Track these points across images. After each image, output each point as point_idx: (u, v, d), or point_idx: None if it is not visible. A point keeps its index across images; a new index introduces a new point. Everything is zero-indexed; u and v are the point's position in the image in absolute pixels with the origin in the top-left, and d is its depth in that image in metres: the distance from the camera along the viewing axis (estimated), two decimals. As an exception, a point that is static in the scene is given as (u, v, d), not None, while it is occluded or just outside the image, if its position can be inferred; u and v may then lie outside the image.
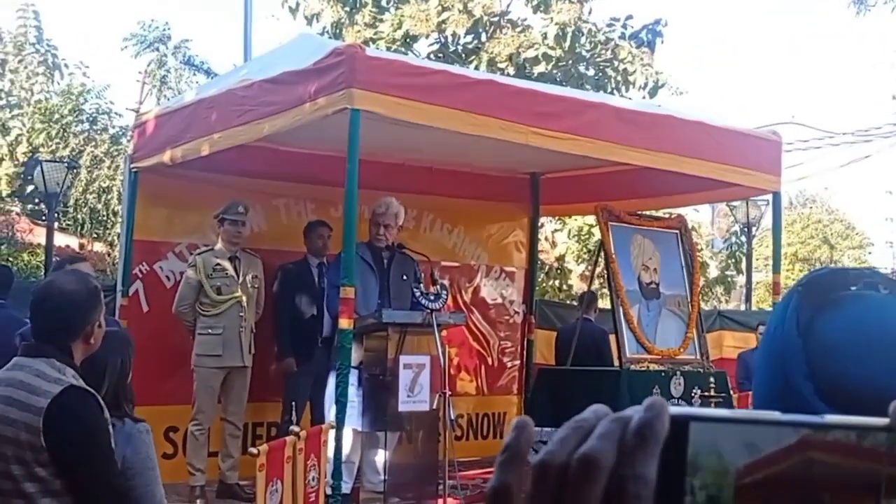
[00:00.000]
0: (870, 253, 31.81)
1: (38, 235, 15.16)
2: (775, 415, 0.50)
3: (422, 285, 6.08)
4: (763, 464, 0.49)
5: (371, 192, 6.20)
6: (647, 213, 8.19)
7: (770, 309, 9.16)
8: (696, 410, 0.50)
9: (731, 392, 7.62)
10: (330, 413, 5.74)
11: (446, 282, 6.69)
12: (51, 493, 2.51)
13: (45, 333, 2.64)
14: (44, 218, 15.65)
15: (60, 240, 14.91)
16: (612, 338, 8.22)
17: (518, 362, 8.83)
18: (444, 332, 6.02)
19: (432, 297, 5.96)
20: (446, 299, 6.23)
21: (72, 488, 2.53)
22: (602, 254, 7.48)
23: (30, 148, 16.91)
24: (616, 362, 7.99)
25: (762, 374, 0.94)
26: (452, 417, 5.70)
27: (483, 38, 12.19)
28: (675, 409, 0.49)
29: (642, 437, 0.48)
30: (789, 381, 0.88)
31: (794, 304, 0.90)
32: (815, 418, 0.50)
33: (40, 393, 2.50)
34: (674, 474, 0.48)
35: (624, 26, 12.32)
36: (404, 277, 6.31)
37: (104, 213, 16.20)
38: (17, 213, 16.74)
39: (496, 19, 12.10)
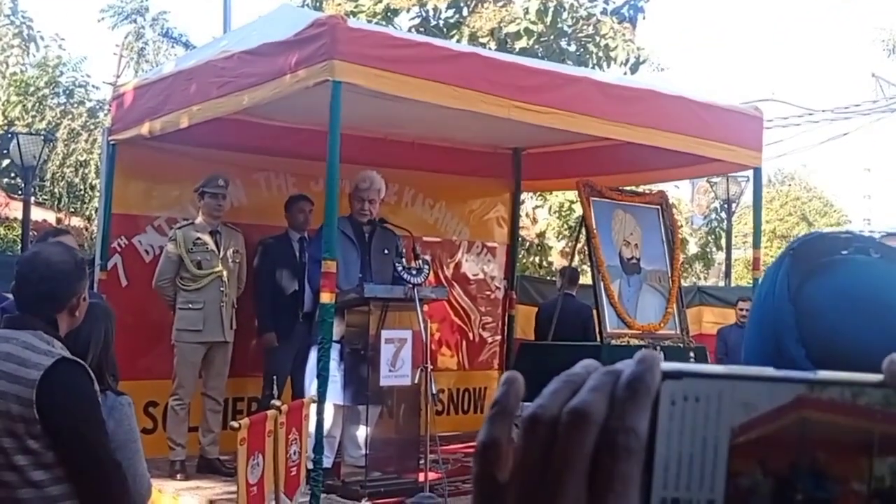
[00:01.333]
0: (848, 230, 32.10)
1: (15, 210, 15.03)
2: (769, 371, 0.50)
3: (404, 260, 6.08)
4: (758, 422, 0.48)
5: (352, 167, 6.17)
6: (629, 188, 8.21)
7: (749, 285, 9.21)
8: (689, 366, 0.49)
9: (711, 367, 7.68)
10: (311, 387, 5.73)
11: (428, 257, 6.67)
12: (43, 466, 2.50)
13: (31, 305, 2.61)
14: (20, 192, 15.52)
15: (37, 214, 14.79)
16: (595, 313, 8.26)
17: (499, 338, 8.86)
18: (425, 307, 6.01)
19: (414, 272, 5.95)
20: (428, 274, 6.22)
21: (64, 460, 2.52)
22: (583, 229, 7.49)
23: (5, 121, 16.73)
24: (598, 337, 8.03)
25: (753, 338, 0.93)
26: (434, 392, 5.71)
27: (464, 12, 12.14)
28: (667, 365, 0.49)
29: (633, 390, 0.47)
30: (780, 345, 0.87)
31: (785, 269, 0.90)
32: (809, 374, 0.49)
33: (31, 365, 2.47)
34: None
35: (606, 2, 12.32)
36: (385, 252, 6.29)
37: (81, 187, 16.08)
38: (-6, 188, 16.58)
39: (478, -7, 12.04)
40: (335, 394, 5.64)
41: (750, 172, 7.59)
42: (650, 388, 0.47)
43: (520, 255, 10.72)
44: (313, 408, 5.17)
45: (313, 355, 5.93)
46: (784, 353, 0.87)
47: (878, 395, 0.49)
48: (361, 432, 5.97)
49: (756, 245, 7.43)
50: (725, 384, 0.49)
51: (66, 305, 2.62)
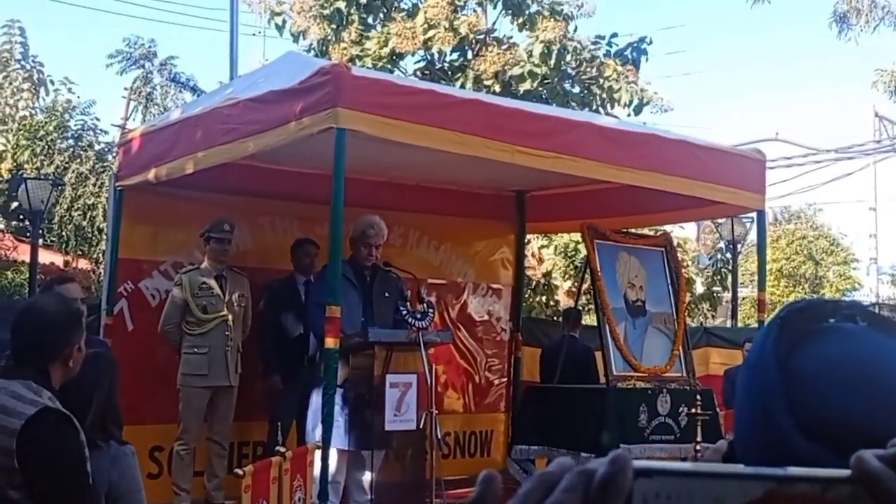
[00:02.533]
0: (855, 269, 31.95)
1: (23, 253, 15.08)
2: (739, 468, 0.51)
3: (408, 303, 6.08)
4: None
5: (357, 210, 6.20)
6: (633, 230, 8.22)
7: (756, 326, 9.18)
8: (660, 464, 0.51)
9: (718, 409, 7.63)
10: (314, 432, 5.72)
11: (433, 299, 6.68)
12: None
13: (23, 354, 2.62)
14: (28, 235, 15.59)
15: (45, 257, 14.84)
16: (598, 355, 8.23)
17: (505, 380, 8.82)
18: (430, 351, 6.01)
19: (419, 316, 5.96)
20: (433, 317, 6.23)
21: None
22: (588, 271, 7.49)
23: (14, 165, 16.84)
24: (602, 380, 8.00)
25: (742, 405, 0.94)
26: (440, 436, 5.69)
27: (469, 55, 12.25)
28: (638, 463, 0.50)
29: (605, 490, 0.49)
30: (769, 413, 0.88)
31: (774, 337, 0.91)
32: (779, 470, 0.50)
33: (15, 414, 2.47)
34: None
35: (609, 44, 12.41)
36: (386, 295, 6.30)
37: (89, 230, 16.13)
38: (1, 231, 16.66)
39: (482, 37, 12.16)
40: (339, 439, 5.62)
41: (754, 214, 7.60)
42: (622, 488, 0.49)
43: (526, 295, 10.70)
44: (318, 454, 5.16)
45: (315, 398, 5.93)
46: (772, 423, 0.87)
47: (847, 490, 0.50)
48: (367, 477, 5.94)
49: (761, 287, 7.43)
50: (696, 482, 0.50)
51: (58, 356, 2.62)
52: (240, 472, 4.22)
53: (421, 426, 5.83)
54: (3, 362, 3.82)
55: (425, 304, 6.19)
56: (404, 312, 6.03)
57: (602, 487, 0.49)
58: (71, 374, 2.67)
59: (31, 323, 2.63)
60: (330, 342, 5.15)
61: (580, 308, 9.54)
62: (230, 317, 6.58)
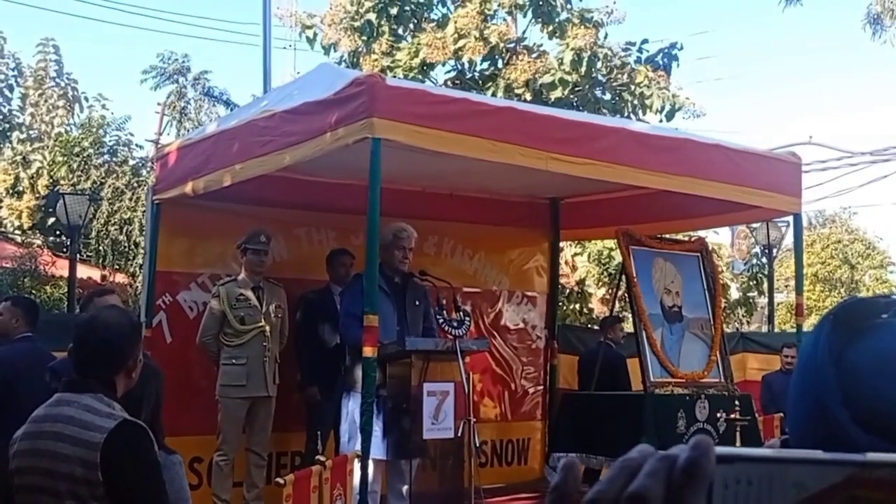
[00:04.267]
0: (891, 272, 31.55)
1: (61, 268, 15.26)
2: (817, 453, 0.51)
3: (444, 311, 6.09)
4: (810, 503, 0.50)
5: (391, 220, 6.22)
6: (668, 236, 8.18)
7: (793, 330, 9.08)
8: (741, 450, 0.51)
9: (756, 415, 7.57)
10: (350, 443, 5.74)
11: (468, 308, 6.68)
12: None
13: (89, 368, 2.65)
14: (66, 250, 15.79)
15: (83, 272, 15.01)
16: (629, 362, 8.21)
17: (541, 387, 8.80)
18: (467, 359, 6.01)
19: (455, 324, 5.96)
20: (469, 325, 6.23)
21: None
22: (623, 277, 7.46)
23: (51, 181, 17.07)
24: (634, 387, 7.97)
25: (797, 402, 0.94)
26: (477, 444, 5.69)
27: (499, 64, 12.27)
28: (720, 449, 0.51)
29: (691, 475, 0.49)
30: (825, 409, 0.88)
31: (826, 333, 0.91)
32: (857, 456, 0.51)
33: (94, 428, 2.51)
34: None
35: (640, 50, 12.38)
36: (417, 304, 6.30)
37: (126, 244, 16.30)
38: (39, 246, 16.86)
39: (512, 46, 12.18)
40: (376, 448, 5.62)
41: (790, 218, 7.53)
42: (706, 473, 0.49)
43: (560, 303, 10.68)
44: (357, 463, 5.17)
45: (346, 408, 5.94)
46: (829, 417, 0.88)
47: None
48: (405, 486, 5.95)
49: (799, 291, 7.36)
50: (777, 467, 0.51)
51: (123, 368, 2.66)
52: (281, 481, 4.25)
53: (459, 434, 5.82)
54: (47, 375, 3.89)
55: (461, 313, 6.19)
56: (440, 321, 6.04)
57: (686, 472, 0.49)
58: (132, 384, 2.71)
59: (97, 336, 2.66)
60: (368, 351, 5.17)
61: (618, 315, 9.50)
62: (267, 328, 6.63)
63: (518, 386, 8.65)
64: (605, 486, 0.51)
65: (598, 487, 0.51)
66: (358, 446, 5.35)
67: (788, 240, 13.10)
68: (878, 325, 0.91)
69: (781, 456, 0.51)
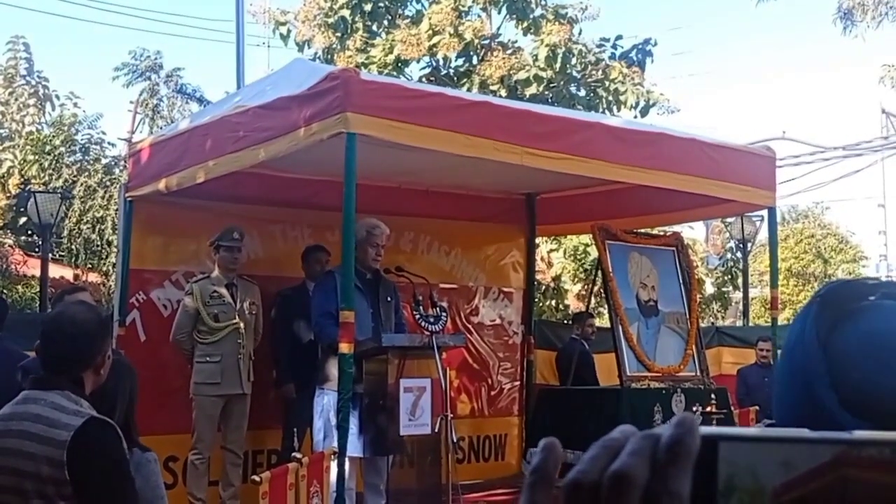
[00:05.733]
0: (864, 266, 31.87)
1: (33, 267, 15.12)
2: (804, 432, 0.50)
3: (421, 307, 6.07)
4: (798, 482, 0.49)
5: (367, 216, 6.19)
6: (644, 231, 8.21)
7: (767, 324, 9.15)
8: (726, 430, 0.50)
9: (732, 408, 7.61)
10: (324, 441, 5.71)
11: (445, 304, 6.66)
12: None
13: (56, 365, 2.61)
14: (38, 249, 15.63)
15: (55, 271, 14.87)
16: (600, 358, 8.26)
17: (518, 383, 8.80)
18: (444, 355, 5.99)
19: (432, 320, 5.94)
20: (446, 321, 6.21)
21: None
22: (599, 272, 7.48)
23: (22, 180, 16.88)
24: (601, 381, 8.01)
25: (783, 386, 0.93)
26: (455, 440, 5.67)
27: (474, 60, 12.27)
28: (705, 429, 0.49)
29: (674, 453, 0.47)
30: (812, 392, 0.87)
31: (813, 316, 0.90)
32: (846, 435, 0.50)
33: (61, 426, 2.46)
34: (705, 493, 0.48)
35: (614, 46, 12.42)
36: (389, 299, 6.28)
37: (98, 243, 16.15)
38: (11, 245, 16.69)
39: (486, 42, 12.18)
40: (351, 446, 5.59)
41: (765, 212, 7.58)
42: (691, 451, 0.48)
43: (536, 299, 10.70)
44: (333, 460, 5.14)
45: (317, 406, 5.91)
46: (816, 400, 0.87)
47: None
48: (382, 483, 5.92)
49: (773, 284, 7.41)
50: (764, 446, 0.49)
51: (91, 364, 2.61)
52: (257, 478, 4.21)
53: (436, 431, 5.81)
54: (19, 375, 3.83)
55: (438, 309, 6.17)
56: (417, 316, 6.01)
57: (670, 449, 0.48)
58: (101, 381, 2.66)
59: (63, 333, 2.62)
60: (344, 348, 5.14)
61: (590, 311, 9.53)
62: (242, 325, 6.58)
63: (495, 382, 8.65)
64: (586, 465, 0.49)
65: (580, 467, 0.50)
66: (334, 443, 5.32)
67: (763, 234, 13.19)
68: (864, 307, 0.90)
69: (764, 435, 0.50)
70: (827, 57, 65.26)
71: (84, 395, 2.58)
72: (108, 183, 16.39)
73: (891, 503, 0.48)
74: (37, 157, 17.06)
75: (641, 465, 0.47)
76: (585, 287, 12.36)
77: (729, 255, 16.04)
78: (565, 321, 12.33)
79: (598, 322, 9.84)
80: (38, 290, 14.12)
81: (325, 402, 5.83)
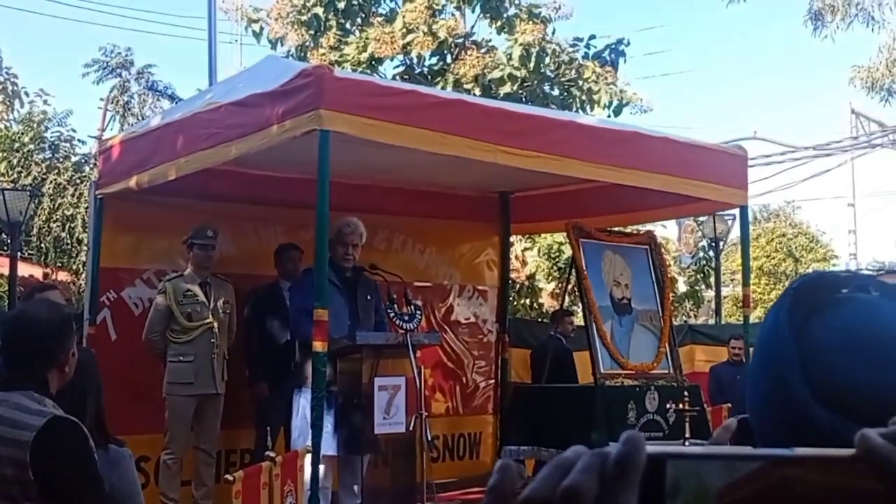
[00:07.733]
0: (834, 265, 32.16)
1: (2, 266, 14.95)
2: (748, 450, 0.52)
3: (395, 305, 6.05)
4: (742, 482, 0.50)
5: (341, 214, 6.17)
6: (617, 229, 8.24)
7: (739, 322, 9.21)
8: (673, 448, 0.52)
9: (705, 405, 7.65)
10: (300, 440, 5.68)
11: (419, 302, 6.65)
12: None
13: (19, 365, 2.57)
14: (6, 248, 15.45)
15: (24, 270, 14.71)
16: (578, 356, 8.28)
17: (493, 381, 8.81)
18: (418, 353, 5.99)
19: (406, 318, 5.93)
20: (420, 319, 6.20)
21: None
22: (573, 270, 7.50)
23: (-9, 177, 16.71)
24: (580, 379, 8.03)
25: (756, 379, 0.93)
26: (429, 439, 5.67)
27: (448, 59, 12.25)
28: (652, 448, 0.51)
29: (622, 467, 0.50)
30: (785, 386, 0.87)
31: (787, 309, 0.90)
32: (787, 451, 0.51)
33: (24, 427, 2.43)
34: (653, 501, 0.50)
35: (587, 46, 12.46)
36: (368, 298, 6.26)
37: (68, 241, 16.01)
38: (-21, 244, 16.50)
39: (461, 41, 12.17)
40: (326, 444, 5.57)
41: (736, 211, 7.63)
42: (638, 466, 0.50)
43: (510, 297, 10.71)
44: (307, 459, 5.12)
45: (298, 405, 5.89)
46: (789, 393, 0.87)
47: (852, 467, 0.51)
48: (357, 482, 5.91)
49: (745, 283, 7.46)
50: (706, 463, 0.51)
51: (55, 363, 2.58)
52: (230, 478, 4.18)
53: (410, 429, 5.80)
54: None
55: (412, 307, 6.16)
56: (392, 315, 6.00)
57: (618, 465, 0.50)
58: (67, 378, 2.63)
59: (25, 332, 2.58)
60: (318, 346, 5.11)
61: (568, 308, 9.56)
62: (215, 324, 6.54)
63: (469, 380, 8.65)
64: (539, 483, 0.52)
65: (533, 485, 0.52)
66: (309, 442, 5.30)
67: (735, 233, 13.25)
68: (838, 300, 0.90)
69: (712, 453, 0.52)
70: (797, 58, 65.88)
71: (49, 395, 2.54)
72: (78, 180, 16.26)
73: (832, 501, 0.50)
74: (5, 154, 16.90)
75: (591, 481, 0.50)
76: (560, 285, 12.39)
77: (701, 254, 16.15)
78: (540, 319, 12.36)
79: (576, 320, 9.87)
80: (6, 288, 13.96)
81: (303, 402, 5.81)
